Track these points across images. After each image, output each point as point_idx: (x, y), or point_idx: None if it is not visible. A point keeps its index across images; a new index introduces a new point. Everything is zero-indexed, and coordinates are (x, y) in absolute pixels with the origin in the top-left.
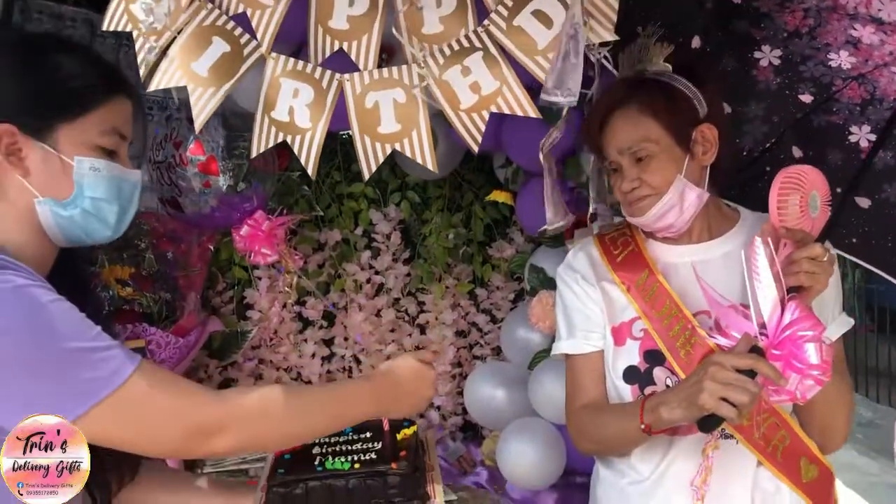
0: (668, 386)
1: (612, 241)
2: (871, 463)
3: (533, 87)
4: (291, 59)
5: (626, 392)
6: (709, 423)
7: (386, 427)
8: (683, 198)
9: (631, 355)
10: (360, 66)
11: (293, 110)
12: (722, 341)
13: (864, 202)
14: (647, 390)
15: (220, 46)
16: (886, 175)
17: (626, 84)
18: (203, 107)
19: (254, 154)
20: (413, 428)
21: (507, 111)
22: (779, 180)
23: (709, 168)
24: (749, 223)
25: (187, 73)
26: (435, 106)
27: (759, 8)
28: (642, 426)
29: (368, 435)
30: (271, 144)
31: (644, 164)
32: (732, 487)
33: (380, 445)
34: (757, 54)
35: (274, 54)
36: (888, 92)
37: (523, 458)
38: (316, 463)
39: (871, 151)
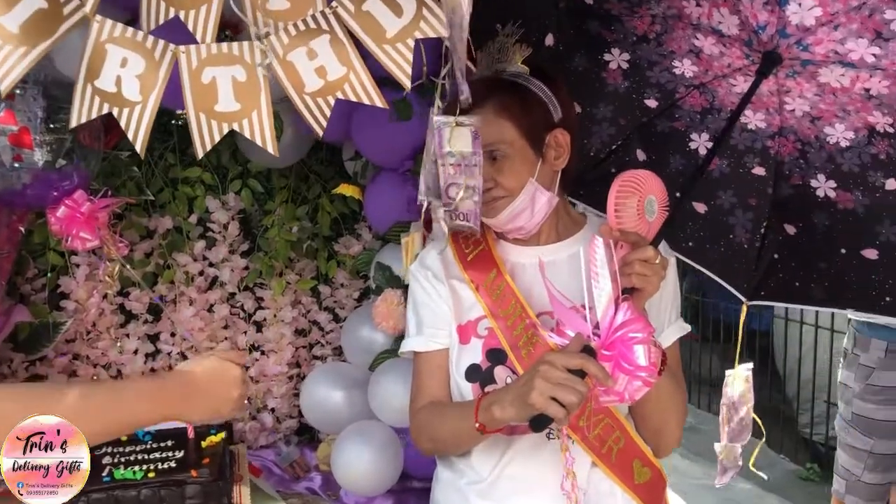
0: (507, 385)
1: (464, 240)
2: (693, 466)
3: (384, 77)
4: (119, 25)
5: (468, 390)
6: (539, 422)
7: (191, 435)
8: (535, 201)
9: (474, 353)
10: (198, 39)
11: (121, 80)
12: (558, 340)
13: (700, 207)
14: (488, 388)
15: (34, 1)
16: (721, 183)
17: (484, 84)
18: (11, 68)
19: (73, 124)
20: (220, 435)
21: (353, 98)
22: (617, 183)
23: (560, 172)
24: (595, 226)
25: None
26: (280, 89)
27: (610, 10)
28: (476, 425)
29: (170, 443)
30: (94, 115)
31: (498, 165)
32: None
33: (181, 454)
34: (607, 56)
35: (99, 17)
36: (726, 102)
37: (358, 463)
38: (104, 473)
39: (706, 159)
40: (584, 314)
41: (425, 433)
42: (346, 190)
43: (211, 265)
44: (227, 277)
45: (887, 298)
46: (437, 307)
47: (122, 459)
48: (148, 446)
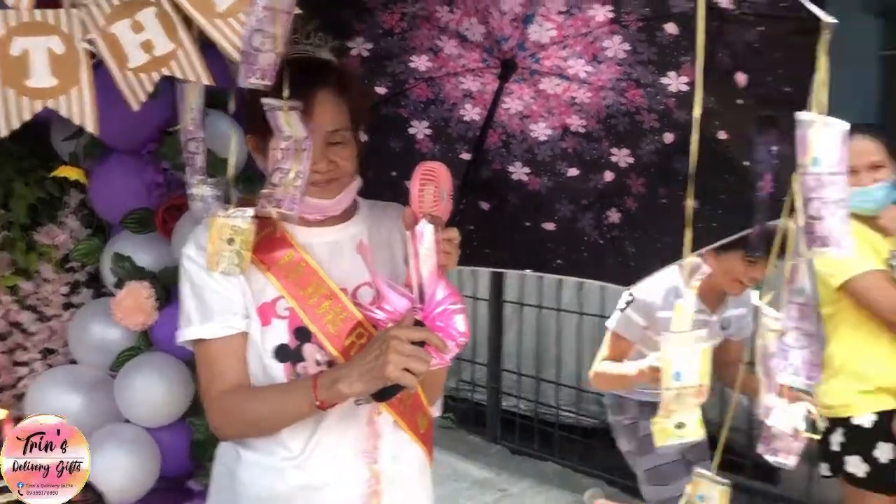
0: (317, 361)
1: None
2: None
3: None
4: None
5: (279, 370)
6: (387, 393)
7: None
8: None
9: (279, 334)
10: (9, 2)
11: None
12: (381, 315)
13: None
14: (299, 366)
15: None
16: None
17: (319, 66)
18: None
19: None
20: None
21: (179, 75)
22: (419, 173)
23: None
24: (366, 210)
25: None
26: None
27: (366, 4)
28: (317, 402)
29: None
30: None
31: (341, 148)
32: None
33: None
34: (350, 44)
35: None
36: (450, 96)
37: (115, 471)
38: None
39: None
40: (402, 290)
41: (236, 417)
42: (69, 172)
43: None
44: None
45: (559, 261)
46: (228, 291)
47: None
48: None
